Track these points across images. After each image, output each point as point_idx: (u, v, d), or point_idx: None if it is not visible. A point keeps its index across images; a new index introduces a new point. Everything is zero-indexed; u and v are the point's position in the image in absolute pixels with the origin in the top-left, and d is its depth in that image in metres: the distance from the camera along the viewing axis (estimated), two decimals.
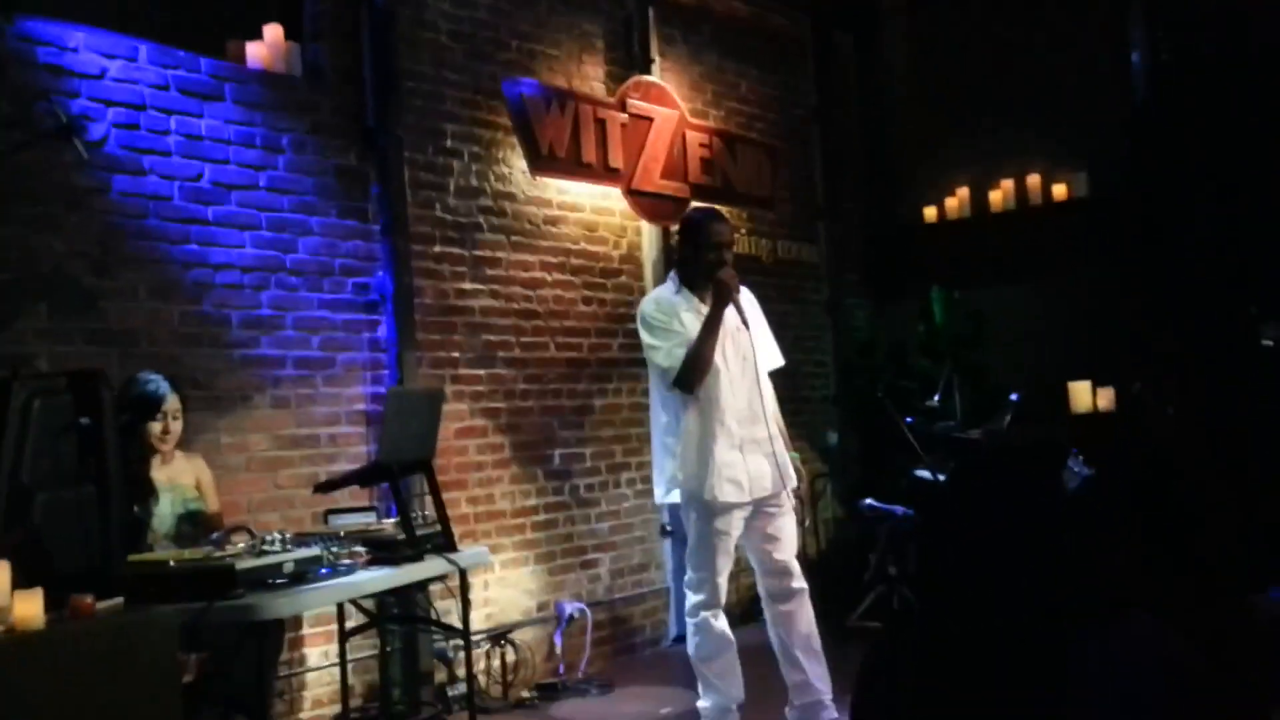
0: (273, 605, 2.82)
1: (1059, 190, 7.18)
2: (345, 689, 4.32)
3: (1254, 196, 6.50)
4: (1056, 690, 1.91)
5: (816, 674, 4.11)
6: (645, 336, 4.10)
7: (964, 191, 7.56)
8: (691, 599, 4.13)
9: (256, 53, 4.67)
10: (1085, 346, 6.56)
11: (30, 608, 2.23)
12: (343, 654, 4.26)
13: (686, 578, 4.15)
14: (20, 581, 2.28)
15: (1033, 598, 1.73)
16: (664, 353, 4.04)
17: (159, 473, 3.84)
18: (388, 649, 4.65)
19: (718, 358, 4.03)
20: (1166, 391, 5.61)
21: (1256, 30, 6.51)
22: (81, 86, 4.08)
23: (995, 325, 6.89)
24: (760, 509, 4.08)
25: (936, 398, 6.50)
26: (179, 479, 3.92)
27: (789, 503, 4.12)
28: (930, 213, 7.69)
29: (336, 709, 4.43)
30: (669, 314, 4.07)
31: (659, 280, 6.28)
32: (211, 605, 2.75)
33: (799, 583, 4.13)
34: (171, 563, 2.91)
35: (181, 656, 3.22)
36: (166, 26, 4.40)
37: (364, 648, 4.65)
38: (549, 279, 5.72)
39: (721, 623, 4.12)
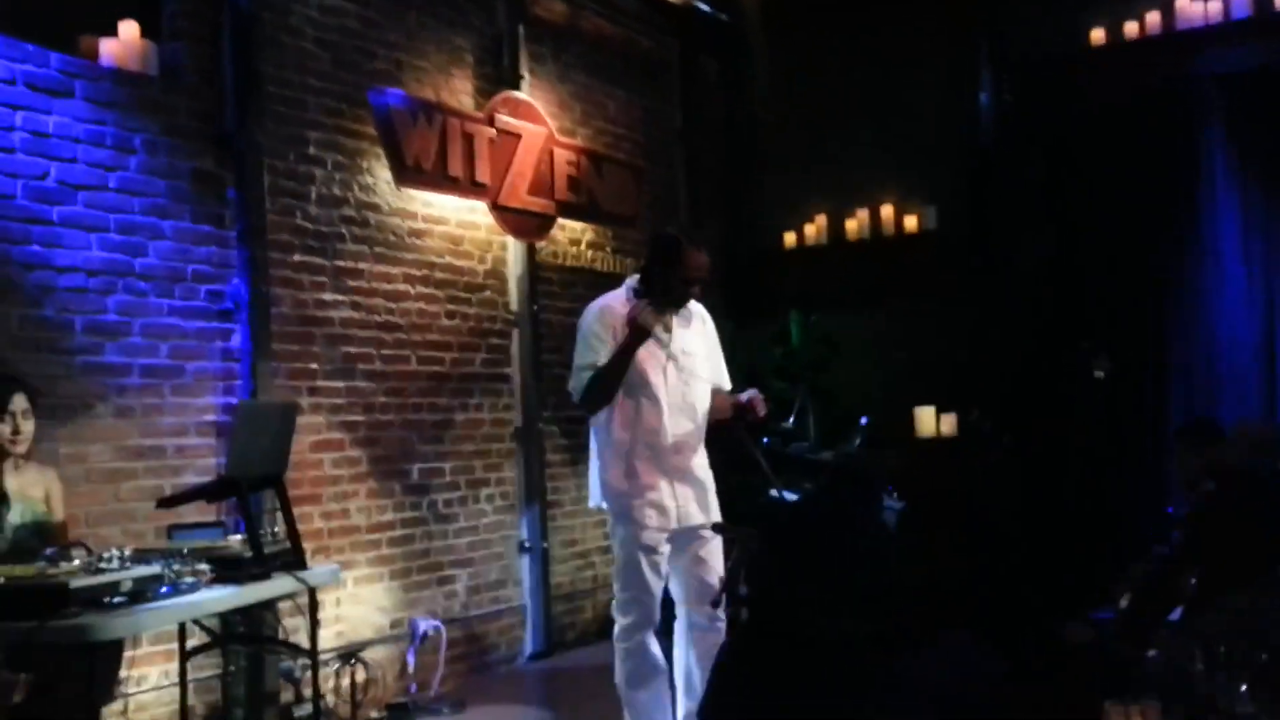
0: (108, 626, 2.73)
1: (910, 222, 7.49)
2: (185, 710, 4.18)
3: (1088, 235, 6.91)
4: (878, 703, 2.01)
5: None
6: (577, 342, 4.02)
7: (822, 219, 7.81)
8: (621, 621, 3.97)
9: (111, 50, 4.52)
10: (931, 373, 6.86)
11: None
12: (183, 674, 4.12)
13: (615, 600, 4.01)
14: None
15: (861, 618, 1.82)
16: (574, 371, 4.00)
17: (10, 480, 3.66)
18: (231, 668, 4.53)
19: (656, 380, 3.94)
20: (1003, 420, 5.90)
21: (1091, 74, 6.93)
22: None
23: (848, 350, 7.15)
24: (690, 534, 3.99)
25: (791, 420, 6.70)
26: (29, 490, 3.74)
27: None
28: (789, 238, 7.92)
29: None
30: (604, 329, 3.93)
31: (524, 296, 6.32)
32: (43, 625, 2.64)
33: (720, 612, 3.98)
34: (1, 579, 2.78)
35: (9, 677, 3.09)
36: (15, 19, 4.21)
37: (207, 667, 4.52)
38: (412, 291, 5.67)
39: (654, 647, 3.97)
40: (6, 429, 3.62)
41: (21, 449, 3.67)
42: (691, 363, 4.01)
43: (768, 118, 8.13)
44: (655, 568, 3.98)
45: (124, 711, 4.25)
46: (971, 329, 6.92)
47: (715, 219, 7.95)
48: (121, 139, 4.49)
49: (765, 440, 6.03)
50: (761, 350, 7.35)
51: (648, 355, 3.98)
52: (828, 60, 7.69)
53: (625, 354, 3.88)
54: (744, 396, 3.99)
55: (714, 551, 4.03)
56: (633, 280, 4.09)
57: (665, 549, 4.01)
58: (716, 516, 4.04)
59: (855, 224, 7.68)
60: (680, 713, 4.12)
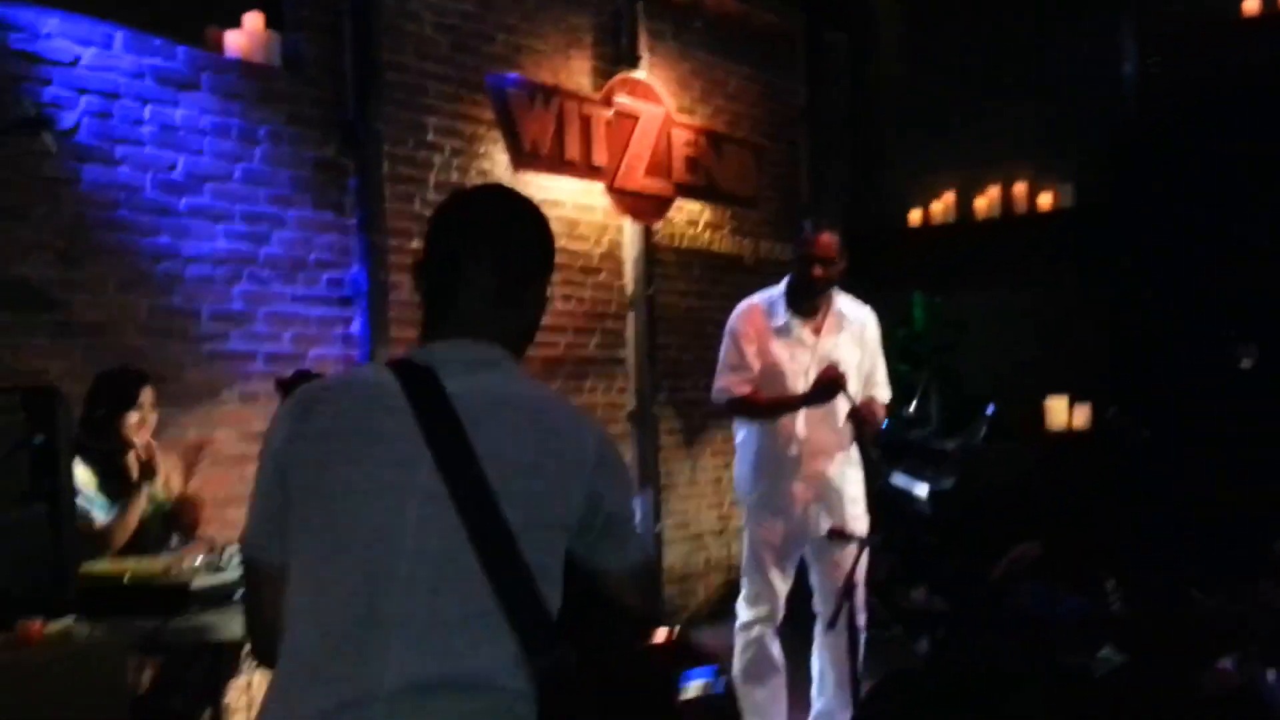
0: (227, 626, 2.79)
1: (1044, 200, 7.16)
2: None
3: (1237, 215, 6.49)
4: None
5: (849, 706, 3.97)
6: (724, 340, 4.01)
7: (950, 196, 7.53)
8: (743, 615, 4.01)
9: (235, 42, 4.59)
10: (1064, 361, 6.56)
11: None
12: None
13: (744, 593, 4.04)
14: None
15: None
16: (717, 376, 3.99)
17: (135, 469, 3.79)
18: None
19: (794, 386, 3.89)
20: (1141, 414, 5.61)
21: (1244, 46, 6.49)
22: (54, 74, 4.00)
23: (975, 334, 6.89)
24: (824, 540, 3.94)
25: (912, 405, 6.50)
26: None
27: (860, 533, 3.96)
28: (915, 216, 7.66)
29: None
30: (751, 332, 3.90)
31: (639, 279, 6.27)
32: (164, 625, 2.71)
33: (859, 617, 3.95)
34: (126, 577, 2.87)
35: (137, 662, 3.20)
36: (143, 13, 4.31)
37: None
38: None
39: (774, 644, 3.99)
40: (135, 418, 3.73)
41: (145, 439, 3.78)
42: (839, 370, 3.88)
43: (894, 92, 7.86)
44: (779, 566, 3.98)
45: (249, 686, 4.38)
46: (1108, 315, 6.59)
47: (837, 198, 7.75)
48: (247, 130, 4.57)
49: (884, 424, 5.88)
50: (885, 331, 7.14)
51: (789, 358, 3.92)
52: (960, 32, 7.38)
53: (794, 405, 3.84)
54: (857, 404, 3.87)
55: (850, 557, 3.90)
56: (788, 278, 4.03)
57: (792, 550, 3.98)
58: (854, 525, 3.95)
59: (985, 202, 7.38)
60: (812, 712, 4.09)
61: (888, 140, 7.85)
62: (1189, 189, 6.54)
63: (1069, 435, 5.64)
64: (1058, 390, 6.45)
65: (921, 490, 5.60)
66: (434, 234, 1.66)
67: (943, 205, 7.57)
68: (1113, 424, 5.30)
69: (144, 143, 4.25)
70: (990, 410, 6.08)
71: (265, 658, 1.54)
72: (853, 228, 7.81)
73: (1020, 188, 7.28)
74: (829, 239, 3.90)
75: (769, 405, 3.93)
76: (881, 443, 5.45)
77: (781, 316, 3.96)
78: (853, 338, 4.00)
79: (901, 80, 7.83)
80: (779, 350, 3.93)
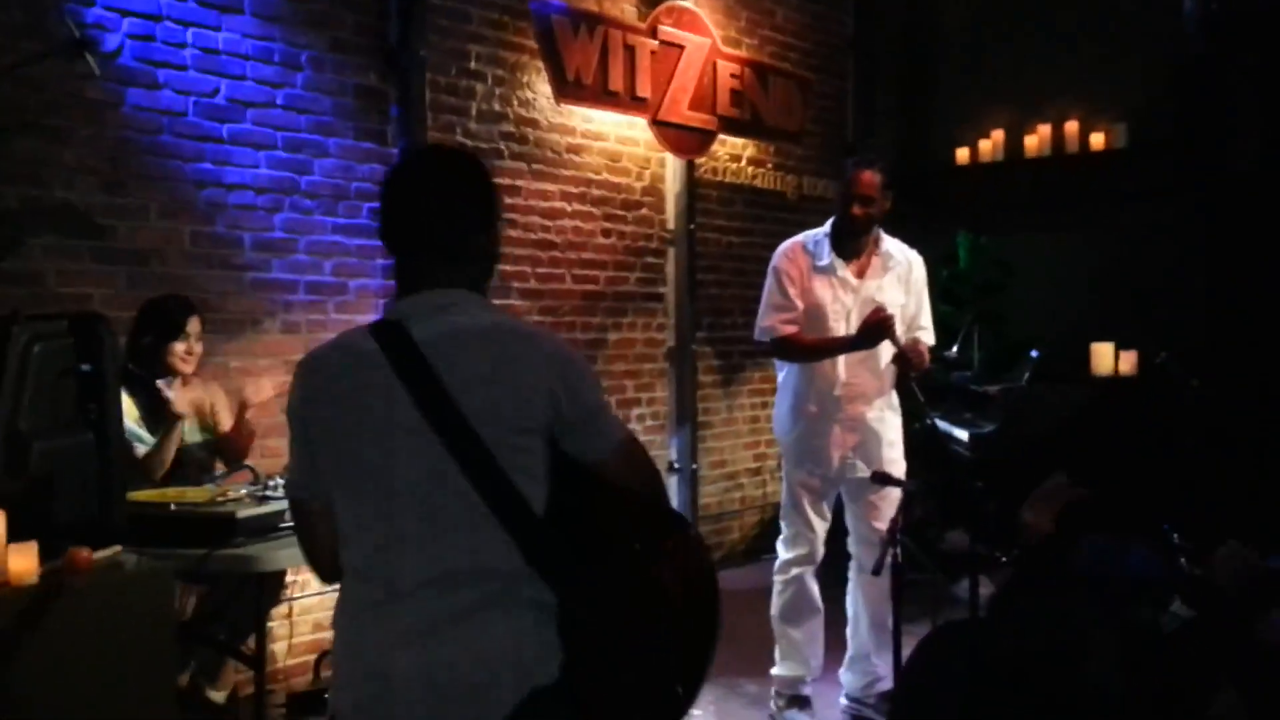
0: (273, 557, 2.80)
1: (1097, 140, 6.97)
2: None
3: None
4: None
5: (881, 651, 4.03)
6: (767, 279, 3.97)
7: (999, 134, 7.35)
8: (782, 555, 4.03)
9: None
10: (1112, 306, 6.43)
11: (24, 562, 2.21)
12: None
13: (783, 534, 4.05)
14: (17, 532, 2.26)
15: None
16: (761, 315, 3.96)
17: (179, 397, 3.80)
18: None
19: (836, 327, 3.86)
20: (1192, 361, 5.48)
21: None
22: None
23: (1021, 275, 6.76)
24: (861, 483, 3.95)
25: (955, 347, 6.42)
26: (196, 406, 3.88)
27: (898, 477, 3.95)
28: (962, 154, 7.49)
29: None
30: (794, 272, 3.87)
31: (681, 214, 6.19)
32: (211, 554, 2.73)
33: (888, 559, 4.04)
34: (173, 506, 2.89)
35: (181, 589, 3.23)
36: None
37: None
38: (568, 209, 5.60)
39: (812, 584, 4.00)
40: (181, 348, 3.73)
41: (191, 368, 3.79)
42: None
43: (945, 26, 7.64)
44: (817, 507, 3.99)
45: (289, 615, 4.44)
46: (1159, 259, 6.44)
47: (884, 133, 7.58)
48: (289, 55, 4.50)
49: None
50: (929, 270, 7.03)
51: (831, 298, 3.89)
52: None
53: (841, 348, 3.82)
54: (903, 344, 3.81)
55: (886, 500, 3.94)
56: (833, 219, 3.98)
57: (829, 491, 3.98)
58: (892, 468, 3.92)
59: (1035, 140, 7.19)
60: (847, 655, 4.11)
61: (937, 76, 7.66)
62: (1252, 131, 6.34)
63: (1115, 381, 5.53)
64: (1104, 336, 6.32)
65: (963, 433, 5.55)
66: (385, 204, 1.92)
67: (991, 143, 7.39)
68: (1161, 370, 5.18)
69: (186, 66, 4.20)
70: (1034, 354, 5.98)
71: (326, 578, 1.92)
72: (899, 165, 7.71)
73: (1071, 126, 7.09)
74: (870, 177, 3.85)
75: (814, 347, 3.88)
76: (924, 385, 5.42)
77: (825, 256, 3.91)
78: (897, 280, 3.94)
79: (952, 13, 7.61)
80: (821, 290, 3.88)
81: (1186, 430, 4.80)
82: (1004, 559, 4.48)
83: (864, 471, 3.89)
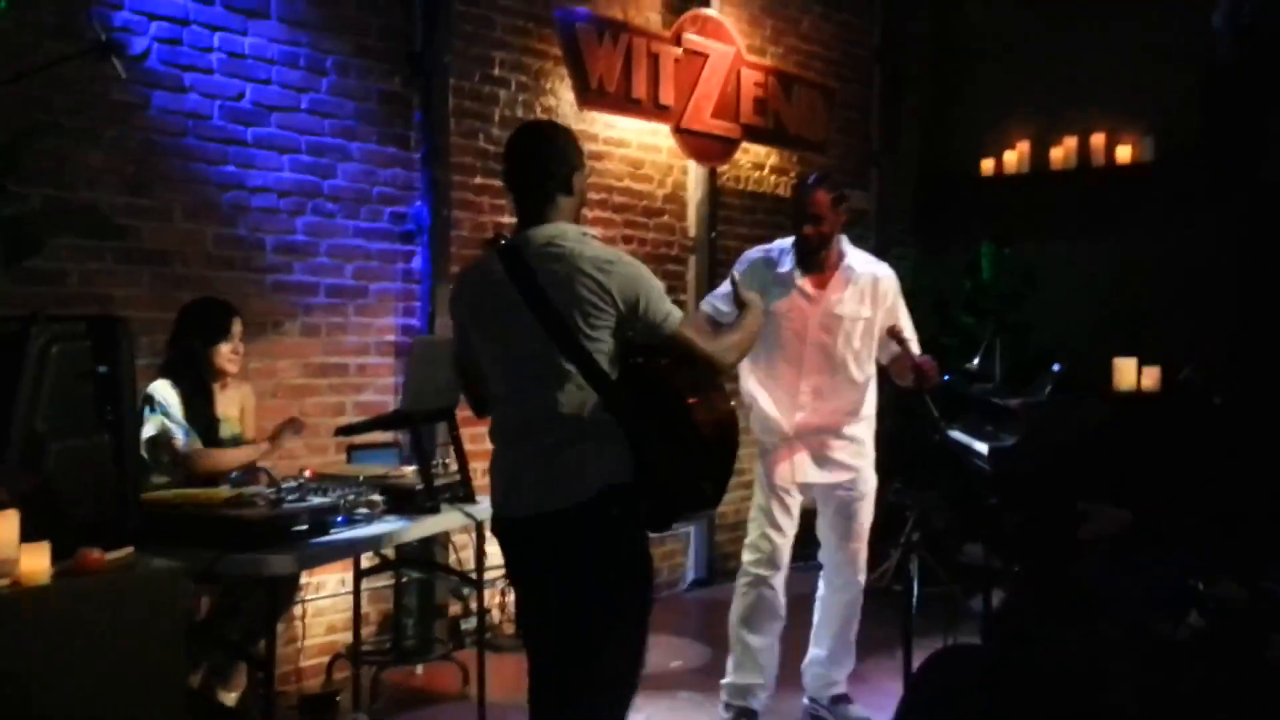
0: (285, 561, 2.82)
1: (1123, 152, 6.91)
2: (358, 618, 4.37)
3: None
4: None
5: (841, 660, 4.06)
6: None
7: (1024, 146, 7.30)
8: (746, 558, 4.00)
9: None
10: (1136, 320, 6.36)
11: (36, 561, 2.23)
12: (357, 585, 4.29)
13: (748, 537, 4.03)
14: (30, 532, 2.28)
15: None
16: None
17: (219, 400, 3.83)
18: (404, 579, 4.69)
19: (791, 335, 3.86)
20: (1216, 377, 5.42)
21: None
22: None
23: (1044, 288, 6.71)
24: (829, 491, 3.96)
25: (976, 359, 6.37)
26: (231, 408, 3.91)
27: (861, 490, 3.99)
28: (987, 164, 7.44)
29: (350, 636, 4.48)
30: (749, 281, 3.75)
31: (702, 221, 6.18)
32: (223, 556, 2.74)
33: (859, 575, 4.03)
34: (185, 509, 2.90)
35: (192, 594, 3.25)
36: None
37: (381, 578, 4.68)
38: (590, 215, 5.60)
39: (775, 591, 3.95)
40: (227, 349, 3.77)
41: (237, 368, 3.83)
42: (839, 324, 3.85)
43: (973, 36, 7.61)
44: (785, 510, 3.95)
45: (302, 617, 4.47)
46: (1185, 274, 6.37)
47: (908, 142, 7.56)
48: (314, 60, 4.53)
49: (946, 378, 5.76)
50: (951, 281, 7.00)
51: (788, 307, 3.85)
52: None
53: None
54: (917, 359, 3.80)
55: (858, 511, 3.98)
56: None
57: (796, 496, 3.96)
58: (858, 479, 3.96)
59: (1061, 152, 7.14)
60: (805, 659, 4.09)
61: (963, 86, 7.62)
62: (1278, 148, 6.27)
63: (1137, 397, 5.47)
64: (1128, 352, 6.27)
65: (982, 446, 5.50)
66: (505, 160, 2.72)
67: (1017, 154, 7.34)
68: (1185, 384, 5.12)
69: (212, 70, 4.24)
70: (1056, 368, 5.92)
71: (476, 411, 2.84)
72: (923, 174, 7.68)
73: (1098, 138, 7.04)
74: (820, 197, 3.82)
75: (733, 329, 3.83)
76: (940, 396, 5.39)
77: (786, 265, 3.90)
78: (860, 294, 3.89)
79: (978, 24, 7.57)
80: (778, 299, 3.85)
81: (1209, 446, 4.76)
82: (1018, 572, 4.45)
83: (816, 479, 3.91)
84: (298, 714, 4.04)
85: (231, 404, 3.91)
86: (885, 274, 3.97)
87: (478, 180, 5.10)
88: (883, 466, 4.22)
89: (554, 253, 2.53)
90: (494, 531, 2.73)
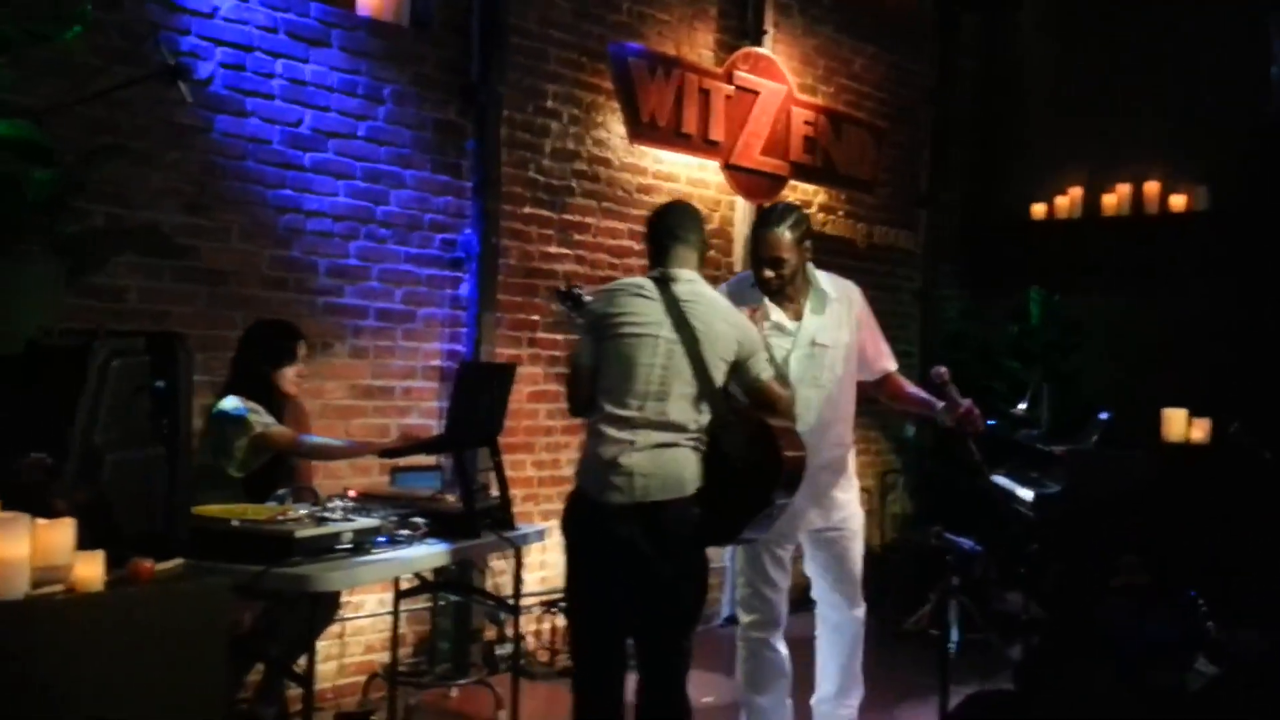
0: (328, 578, 2.85)
1: (1177, 201, 6.87)
2: (396, 639, 4.38)
3: None
4: None
5: (850, 691, 3.87)
6: None
7: (1076, 191, 7.28)
8: (743, 619, 3.76)
9: (366, 0, 4.65)
10: (1186, 371, 6.29)
11: (91, 569, 2.27)
12: (396, 606, 4.31)
13: (739, 595, 3.81)
14: (86, 540, 2.32)
15: None
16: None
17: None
18: (441, 602, 4.71)
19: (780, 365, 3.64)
20: (1266, 431, 5.34)
21: None
22: (192, 24, 4.11)
23: (1093, 336, 6.66)
24: (823, 532, 3.78)
25: (1023, 404, 6.32)
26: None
27: (853, 528, 3.81)
28: (1039, 209, 7.43)
29: (387, 656, 4.51)
30: (738, 298, 3.55)
31: (747, 257, 6.18)
32: (268, 571, 2.78)
33: (858, 610, 3.83)
34: (235, 523, 2.95)
35: (237, 606, 3.30)
36: None
37: (419, 600, 4.71)
38: (636, 248, 5.64)
39: (777, 651, 3.74)
40: (292, 372, 3.84)
41: (297, 391, 3.90)
42: (824, 353, 3.63)
43: (1026, 81, 7.61)
44: (777, 561, 3.68)
45: (340, 635, 4.50)
46: (1238, 326, 6.30)
47: (958, 185, 7.56)
48: (372, 88, 4.63)
49: (992, 423, 5.70)
50: (998, 325, 6.97)
51: (772, 344, 3.54)
52: (1097, 21, 7.09)
53: None
54: (961, 407, 3.64)
55: (847, 550, 3.77)
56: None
57: (787, 545, 3.72)
58: (849, 515, 3.79)
59: (1114, 199, 7.11)
60: (814, 697, 3.91)
61: (1015, 130, 7.61)
62: None
63: (1186, 449, 5.39)
64: (1177, 403, 6.19)
65: (1027, 493, 5.45)
66: (655, 221, 3.32)
67: (1069, 200, 7.32)
68: (1234, 440, 5.05)
69: (274, 96, 4.34)
70: (1104, 416, 5.86)
71: (576, 412, 3.32)
72: (972, 217, 7.67)
73: (1152, 187, 7.01)
74: (775, 238, 3.53)
75: None
76: (984, 441, 5.32)
77: (755, 300, 3.60)
78: (837, 319, 3.69)
79: (1033, 68, 7.57)
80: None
81: (1254, 502, 4.69)
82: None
83: (814, 519, 3.70)
84: None
85: (291, 424, 3.96)
86: (856, 292, 3.79)
87: (527, 210, 5.17)
88: (926, 511, 4.16)
89: (697, 292, 3.16)
90: (575, 517, 3.19)
